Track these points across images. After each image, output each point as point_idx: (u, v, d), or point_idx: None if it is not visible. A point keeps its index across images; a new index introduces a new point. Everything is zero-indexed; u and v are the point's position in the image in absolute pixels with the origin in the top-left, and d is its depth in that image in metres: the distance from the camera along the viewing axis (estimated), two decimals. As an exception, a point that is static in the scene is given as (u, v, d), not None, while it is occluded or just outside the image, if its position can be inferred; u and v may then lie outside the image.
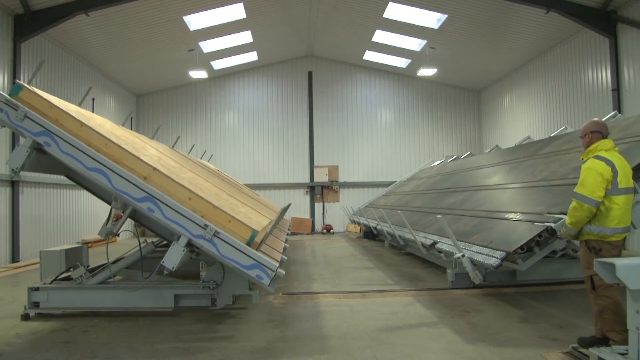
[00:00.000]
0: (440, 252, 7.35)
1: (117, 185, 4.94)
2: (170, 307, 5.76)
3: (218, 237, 4.66)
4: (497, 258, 5.52)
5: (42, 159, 5.39)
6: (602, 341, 4.00)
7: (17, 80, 5.54)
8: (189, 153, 14.51)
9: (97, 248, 14.18)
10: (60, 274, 6.21)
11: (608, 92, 12.15)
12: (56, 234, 13.39)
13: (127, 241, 16.42)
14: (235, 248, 4.63)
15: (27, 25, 11.50)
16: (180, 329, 5.30)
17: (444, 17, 14.36)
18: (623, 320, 3.78)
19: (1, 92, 5.21)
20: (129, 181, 4.93)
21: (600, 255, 3.96)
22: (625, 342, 3.63)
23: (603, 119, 8.26)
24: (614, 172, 3.98)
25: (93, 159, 5.01)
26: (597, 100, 12.83)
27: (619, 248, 4.07)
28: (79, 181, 6.32)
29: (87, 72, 15.36)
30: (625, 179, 4.03)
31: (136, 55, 16.18)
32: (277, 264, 4.65)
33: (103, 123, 6.92)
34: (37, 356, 4.47)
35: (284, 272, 4.69)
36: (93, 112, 11.68)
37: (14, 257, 11.29)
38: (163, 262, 4.76)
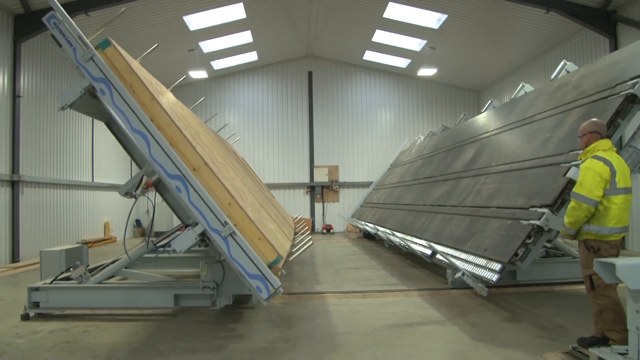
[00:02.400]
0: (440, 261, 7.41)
1: (155, 154, 4.82)
2: (170, 307, 5.75)
3: (233, 238, 4.62)
4: (495, 271, 5.55)
5: (90, 103, 5.28)
6: (602, 341, 4.01)
7: (109, 37, 5.48)
8: (218, 132, 14.38)
9: (97, 248, 14.19)
10: (60, 273, 6.21)
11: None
12: (56, 234, 13.38)
13: (126, 241, 16.43)
14: (246, 254, 4.57)
15: (27, 25, 11.50)
16: (180, 329, 5.31)
17: (444, 17, 14.37)
18: (622, 319, 3.79)
19: (77, 27, 5.05)
20: (167, 155, 4.83)
21: (599, 255, 3.98)
22: (625, 341, 3.63)
23: (554, 74, 8.07)
24: (612, 172, 4.01)
25: (140, 121, 4.87)
26: (597, 100, 12.82)
27: (617, 247, 4.09)
28: (116, 134, 6.10)
29: (87, 72, 15.34)
30: (623, 178, 4.04)
31: (136, 55, 16.11)
32: (279, 282, 4.58)
33: (169, 97, 6.77)
34: (37, 356, 4.47)
35: (282, 291, 4.67)
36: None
37: (14, 257, 11.29)
38: (173, 243, 4.76)
